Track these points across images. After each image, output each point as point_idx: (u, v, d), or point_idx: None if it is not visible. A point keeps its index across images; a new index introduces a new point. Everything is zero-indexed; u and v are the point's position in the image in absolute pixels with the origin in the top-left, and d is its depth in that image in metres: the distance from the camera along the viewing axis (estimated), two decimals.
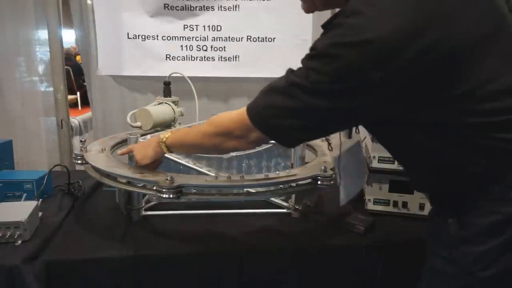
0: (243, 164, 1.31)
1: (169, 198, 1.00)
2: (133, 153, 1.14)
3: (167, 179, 1.01)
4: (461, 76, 0.72)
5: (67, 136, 1.92)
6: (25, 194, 1.35)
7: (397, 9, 0.71)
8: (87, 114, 2.18)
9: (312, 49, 0.76)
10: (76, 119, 2.03)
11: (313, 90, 0.75)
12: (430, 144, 0.79)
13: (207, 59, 2.00)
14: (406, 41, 0.69)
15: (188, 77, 1.56)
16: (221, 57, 2.01)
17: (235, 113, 0.89)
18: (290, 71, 0.79)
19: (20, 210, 1.17)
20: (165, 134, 1.06)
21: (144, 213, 1.30)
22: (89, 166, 1.21)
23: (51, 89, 1.91)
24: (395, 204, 1.31)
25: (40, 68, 1.92)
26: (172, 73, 1.61)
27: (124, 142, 1.47)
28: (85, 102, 7.30)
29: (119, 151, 1.21)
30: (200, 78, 1.55)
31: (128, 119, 1.49)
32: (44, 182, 1.43)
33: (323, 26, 0.79)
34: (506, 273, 0.75)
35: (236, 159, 1.30)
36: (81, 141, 1.24)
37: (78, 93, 5.38)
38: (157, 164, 1.16)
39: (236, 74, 1.97)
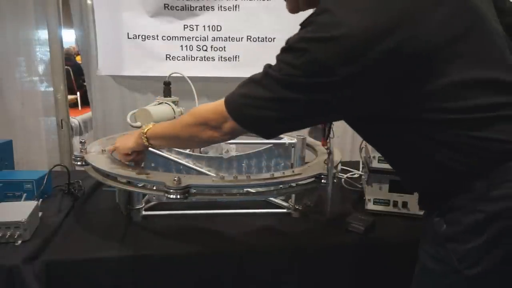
0: (243, 164, 1.31)
1: (176, 198, 0.99)
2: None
3: (174, 180, 1.00)
4: (431, 75, 0.73)
5: (67, 136, 1.92)
6: (25, 194, 1.35)
7: (366, 9, 0.73)
8: (87, 114, 2.18)
9: (285, 43, 0.78)
10: (76, 119, 2.03)
11: (286, 82, 0.77)
12: (410, 142, 0.80)
13: (207, 59, 2.01)
14: (374, 40, 0.71)
15: (188, 77, 1.56)
16: (221, 57, 2.01)
17: (213, 103, 0.91)
18: (268, 66, 0.81)
19: (20, 210, 1.17)
20: (147, 126, 1.07)
21: (144, 213, 1.30)
22: (89, 168, 1.20)
23: (51, 89, 1.91)
24: (395, 204, 1.31)
25: (40, 68, 1.92)
26: (172, 73, 1.61)
27: None
28: (85, 102, 7.33)
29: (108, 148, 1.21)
30: (200, 78, 1.55)
31: (128, 119, 1.48)
32: (44, 182, 1.43)
33: (300, 25, 0.80)
34: (492, 271, 0.75)
35: (236, 159, 1.30)
36: (81, 142, 1.24)
37: (78, 93, 5.38)
38: (140, 157, 1.16)
39: (236, 74, 1.95)
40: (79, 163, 1.21)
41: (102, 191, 1.53)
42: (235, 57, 2.01)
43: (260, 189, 1.14)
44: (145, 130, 1.06)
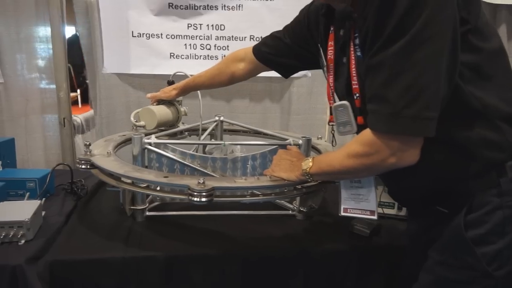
0: (248, 165, 1.30)
1: (200, 202, 0.98)
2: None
3: (199, 182, 0.99)
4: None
5: (69, 134, 1.90)
6: (28, 193, 1.34)
7: None
8: (90, 112, 2.16)
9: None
10: (78, 117, 2.01)
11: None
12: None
13: (210, 57, 1.99)
14: None
15: (191, 75, 1.55)
16: (224, 55, 1.98)
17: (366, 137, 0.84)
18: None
19: (23, 210, 1.16)
20: (307, 163, 1.00)
21: (147, 213, 1.29)
22: (96, 170, 1.19)
23: (53, 87, 1.89)
24: (400, 207, 1.30)
25: (42, 66, 1.90)
26: (176, 72, 1.60)
27: (122, 144, 1.46)
28: (85, 100, 7.31)
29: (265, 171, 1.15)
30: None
31: (132, 118, 1.48)
32: (47, 181, 1.43)
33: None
34: None
35: (241, 160, 1.29)
36: (85, 144, 1.23)
37: (78, 90, 5.36)
38: None
39: None
40: (83, 166, 1.20)
41: (104, 190, 1.52)
42: None
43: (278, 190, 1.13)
44: (307, 169, 1.00)
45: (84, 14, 1.84)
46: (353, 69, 0.89)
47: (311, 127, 2.15)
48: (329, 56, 1.03)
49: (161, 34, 1.92)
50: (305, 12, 1.16)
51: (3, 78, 1.82)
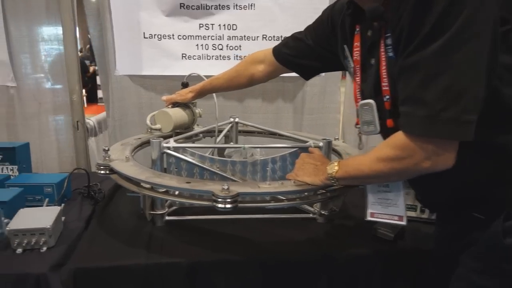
0: (268, 168, 1.29)
1: (225, 208, 0.96)
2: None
3: (223, 188, 0.98)
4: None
5: (83, 137, 1.89)
6: (47, 199, 1.33)
7: None
8: (102, 114, 2.15)
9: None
10: (91, 119, 2.00)
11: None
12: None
13: (222, 58, 1.98)
14: None
15: (205, 76, 1.53)
16: (237, 56, 1.98)
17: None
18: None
19: (44, 216, 1.15)
20: (333, 168, 0.99)
21: (167, 218, 1.28)
22: (116, 175, 1.18)
23: (66, 89, 1.88)
24: (423, 210, 1.28)
25: (53, 68, 1.89)
26: (190, 74, 1.58)
27: (139, 147, 1.45)
28: (90, 100, 7.30)
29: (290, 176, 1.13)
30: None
31: (148, 122, 1.46)
32: (65, 185, 1.42)
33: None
34: None
35: (261, 163, 1.27)
36: (104, 149, 1.22)
37: (83, 90, 5.36)
38: None
39: None
40: (102, 171, 1.19)
41: (121, 194, 1.51)
42: None
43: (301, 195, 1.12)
44: (333, 173, 0.99)
45: (95, 16, 1.83)
46: (384, 71, 0.87)
47: (325, 126, 2.13)
48: (355, 57, 1.01)
49: (173, 35, 1.91)
50: (329, 12, 1.14)
51: (15, 82, 1.82)
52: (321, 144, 1.30)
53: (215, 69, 1.94)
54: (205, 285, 1.08)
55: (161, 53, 1.91)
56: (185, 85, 1.59)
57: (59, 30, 1.82)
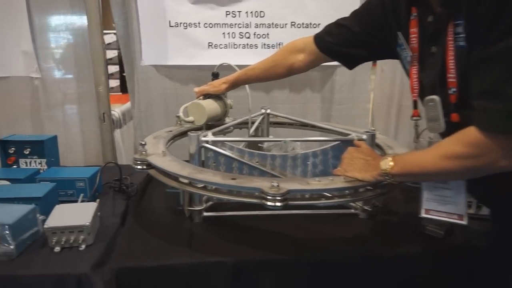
0: (308, 163, 1.23)
1: (274, 206, 0.92)
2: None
3: (273, 185, 0.93)
4: None
5: (109, 130, 1.85)
6: (82, 194, 1.30)
7: None
8: (125, 105, 2.11)
9: None
10: (116, 111, 1.95)
11: None
12: None
13: (250, 46, 1.91)
14: None
15: (236, 66, 1.47)
16: (264, 44, 1.92)
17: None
18: None
19: (81, 213, 1.12)
20: (387, 163, 0.94)
21: (205, 214, 1.24)
22: (154, 171, 1.14)
23: (91, 80, 1.83)
24: (479, 206, 1.22)
25: (78, 58, 1.84)
26: (221, 64, 1.52)
27: (171, 140, 1.41)
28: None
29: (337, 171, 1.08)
30: (242, 67, 1.47)
31: (181, 113, 1.42)
32: (97, 180, 1.38)
33: None
34: None
35: (301, 157, 1.22)
36: (141, 144, 1.17)
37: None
38: None
39: None
40: (139, 166, 1.14)
41: (153, 188, 1.48)
42: (279, 45, 1.92)
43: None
44: (388, 169, 0.93)
45: (120, 4, 1.77)
46: (451, 61, 0.81)
47: (354, 117, 2.07)
48: (412, 45, 0.95)
49: (199, 23, 1.84)
50: None
51: (40, 73, 1.78)
52: (364, 136, 1.25)
53: (242, 58, 1.90)
54: (252, 285, 1.04)
55: (187, 42, 1.85)
56: (215, 75, 1.53)
57: (83, 20, 1.76)
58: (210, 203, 1.30)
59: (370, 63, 2.05)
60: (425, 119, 0.94)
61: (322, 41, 1.22)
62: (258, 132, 1.59)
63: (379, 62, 2.04)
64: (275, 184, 0.95)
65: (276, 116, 1.61)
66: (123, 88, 2.81)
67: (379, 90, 2.09)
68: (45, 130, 1.86)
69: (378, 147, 1.34)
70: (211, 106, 1.44)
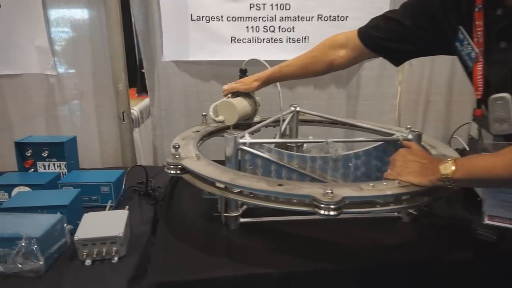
0: (350, 164, 1.16)
1: (328, 215, 0.84)
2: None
3: (326, 192, 0.86)
4: None
5: (128, 129, 1.76)
6: (110, 201, 1.22)
7: None
8: (143, 102, 2.02)
9: None
10: (134, 109, 1.87)
11: None
12: None
13: (274, 41, 1.82)
14: None
15: (253, 61, 1.38)
16: (289, 38, 1.83)
17: None
18: None
19: (112, 222, 1.04)
20: (448, 167, 0.87)
21: (241, 220, 1.16)
22: (189, 175, 1.06)
23: (110, 78, 1.74)
24: None
25: (96, 55, 1.75)
26: (250, 59, 1.43)
27: (208, 137, 1.34)
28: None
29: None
30: (268, 62, 1.38)
31: (211, 113, 1.34)
32: (123, 184, 1.31)
33: None
34: None
35: (343, 159, 1.14)
36: (174, 147, 1.09)
37: None
38: None
39: None
40: (172, 171, 1.07)
41: (179, 191, 1.40)
42: (305, 39, 1.83)
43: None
44: (449, 173, 0.86)
45: None
46: None
47: (380, 113, 1.99)
48: (476, 39, 0.87)
49: (222, 17, 1.75)
50: None
51: (56, 70, 1.69)
52: (410, 136, 1.17)
53: (266, 53, 1.81)
54: None
55: (209, 37, 1.76)
56: (243, 71, 1.45)
57: (101, 13, 1.67)
58: (245, 207, 1.22)
59: None
60: (490, 120, 0.86)
61: (368, 35, 1.14)
62: (286, 131, 1.51)
63: None
64: (329, 191, 0.87)
65: (306, 113, 1.53)
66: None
67: (407, 85, 2.01)
68: (60, 130, 1.78)
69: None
70: (242, 105, 1.36)
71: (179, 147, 1.10)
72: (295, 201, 0.94)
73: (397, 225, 1.19)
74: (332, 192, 0.86)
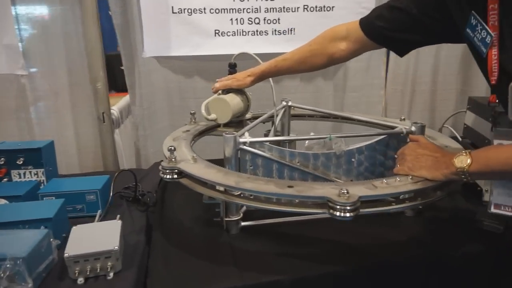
0: (353, 160, 1.11)
1: (344, 217, 0.79)
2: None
3: (342, 192, 0.80)
4: None
5: (109, 131, 1.65)
6: (99, 211, 1.13)
7: None
8: (122, 101, 1.91)
9: None
10: (114, 109, 1.75)
11: None
12: None
13: (259, 33, 1.75)
14: None
15: (242, 55, 1.31)
16: (275, 30, 1.77)
17: None
18: None
19: (105, 234, 0.95)
20: (463, 160, 0.84)
21: (242, 223, 1.10)
22: (187, 180, 0.99)
23: (87, 77, 1.63)
24: None
25: (71, 52, 1.62)
26: (240, 52, 1.35)
27: (199, 136, 1.27)
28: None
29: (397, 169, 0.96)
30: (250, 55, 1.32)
31: (203, 111, 1.25)
32: (111, 191, 1.21)
33: None
34: None
35: (345, 155, 1.10)
36: (170, 149, 1.01)
37: None
38: None
39: (291, 50, 1.72)
40: (169, 176, 0.99)
41: (170, 194, 1.32)
42: (291, 30, 1.77)
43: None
44: (465, 166, 0.83)
45: None
46: None
47: (368, 104, 1.97)
48: (491, 23, 0.84)
49: (204, 9, 1.67)
50: None
51: (27, 70, 1.56)
52: (413, 128, 1.14)
53: (251, 46, 1.74)
54: None
55: (191, 30, 1.67)
56: (233, 66, 1.37)
57: (75, 8, 1.55)
58: (244, 209, 1.16)
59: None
60: (510, 106, 0.83)
61: (371, 26, 1.09)
62: (278, 127, 1.45)
63: None
64: (344, 191, 0.82)
65: (298, 108, 1.48)
66: None
67: (393, 76, 1.99)
68: (34, 133, 1.65)
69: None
70: (235, 102, 1.28)
71: (174, 149, 1.01)
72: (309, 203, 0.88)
73: (401, 220, 1.16)
74: (347, 192, 0.81)
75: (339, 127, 1.88)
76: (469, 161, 0.83)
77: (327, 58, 1.19)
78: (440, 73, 1.97)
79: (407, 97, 2.02)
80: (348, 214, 0.81)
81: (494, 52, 0.84)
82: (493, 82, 0.86)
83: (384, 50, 1.93)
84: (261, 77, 1.26)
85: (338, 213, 0.81)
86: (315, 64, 1.21)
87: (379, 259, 0.98)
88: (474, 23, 0.87)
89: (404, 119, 1.39)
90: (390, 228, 1.10)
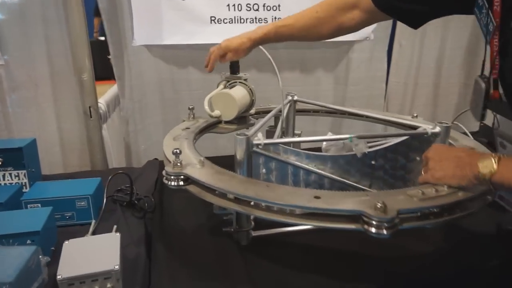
0: (373, 163, 1.03)
1: (380, 235, 0.70)
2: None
3: (378, 205, 0.71)
4: None
5: (97, 126, 1.51)
6: (93, 221, 1.01)
7: None
8: (109, 93, 1.76)
9: None
10: (101, 103, 1.61)
11: None
12: None
13: (258, 20, 1.64)
14: None
15: None
16: (275, 18, 1.65)
17: None
18: None
19: (102, 251, 0.84)
20: (488, 165, 0.73)
21: (253, 234, 1.00)
22: (196, 187, 0.87)
23: (71, 67, 1.47)
24: None
25: (53, 39, 1.47)
26: None
27: (200, 134, 1.17)
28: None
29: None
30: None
31: (207, 107, 1.14)
32: (104, 196, 1.09)
33: None
34: None
35: (366, 157, 1.01)
36: (175, 153, 0.89)
37: None
38: None
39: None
40: (174, 182, 0.87)
41: (169, 198, 1.20)
42: None
43: None
44: (487, 174, 0.73)
45: None
46: None
47: (370, 98, 1.89)
48: (495, 7, 0.76)
49: None
50: None
51: (3, 59, 1.39)
52: (437, 129, 1.05)
53: None
54: None
55: (185, 17, 1.54)
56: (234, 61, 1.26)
57: None
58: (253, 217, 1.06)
59: (387, 39, 1.85)
60: None
61: None
62: (282, 124, 1.35)
63: (397, 36, 1.85)
64: (380, 204, 0.72)
65: (306, 102, 1.38)
66: None
67: (396, 68, 1.91)
68: (12, 130, 1.49)
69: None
70: (240, 96, 1.18)
71: (180, 152, 0.90)
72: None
73: (420, 229, 1.08)
74: (384, 206, 0.72)
75: (339, 123, 1.80)
76: (494, 167, 0.73)
77: (335, 28, 1.08)
78: (444, 66, 1.91)
79: (409, 90, 1.94)
80: (385, 232, 0.72)
81: (496, 42, 0.77)
82: (495, 76, 0.79)
83: (387, 41, 1.85)
84: (260, 43, 1.14)
85: (374, 230, 0.72)
86: (322, 33, 1.11)
87: (408, 273, 0.91)
88: (480, 4, 0.80)
89: (416, 116, 1.31)
90: (411, 238, 1.00)
